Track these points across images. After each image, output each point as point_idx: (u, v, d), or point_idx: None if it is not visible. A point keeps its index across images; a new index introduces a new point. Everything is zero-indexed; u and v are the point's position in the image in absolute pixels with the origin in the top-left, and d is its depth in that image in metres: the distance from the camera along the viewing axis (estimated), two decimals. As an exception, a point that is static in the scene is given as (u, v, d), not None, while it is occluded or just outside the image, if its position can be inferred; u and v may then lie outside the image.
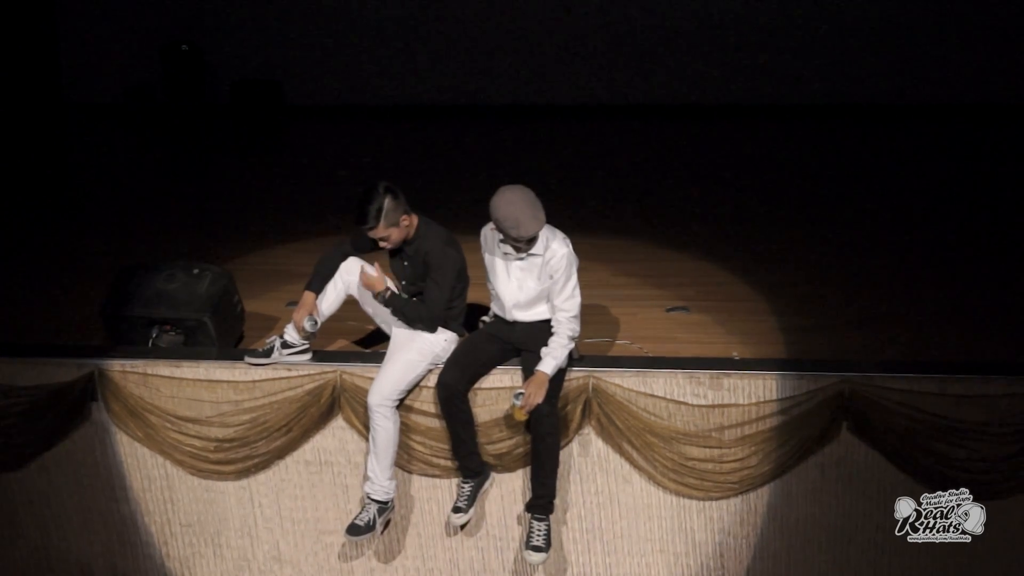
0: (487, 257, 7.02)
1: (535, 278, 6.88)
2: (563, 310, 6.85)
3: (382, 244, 6.99)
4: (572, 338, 6.89)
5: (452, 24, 14.02)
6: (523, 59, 14.00)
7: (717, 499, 7.20)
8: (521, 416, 6.79)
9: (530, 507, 7.06)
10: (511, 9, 13.91)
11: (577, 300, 6.87)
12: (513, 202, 6.67)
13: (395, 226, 6.89)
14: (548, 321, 6.95)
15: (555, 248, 6.80)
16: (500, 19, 13.98)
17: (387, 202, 6.84)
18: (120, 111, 14.06)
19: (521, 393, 6.73)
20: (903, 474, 7.00)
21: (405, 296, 7.07)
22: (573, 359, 7.10)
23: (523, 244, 6.74)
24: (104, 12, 14.29)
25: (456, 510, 7.12)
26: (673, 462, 7.10)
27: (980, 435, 6.94)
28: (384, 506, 7.09)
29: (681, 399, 7.07)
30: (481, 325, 7.24)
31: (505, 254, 6.90)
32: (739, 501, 7.20)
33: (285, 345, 7.24)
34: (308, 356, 7.32)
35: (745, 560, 7.33)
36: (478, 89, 14.08)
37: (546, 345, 6.85)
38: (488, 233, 6.99)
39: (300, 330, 7.13)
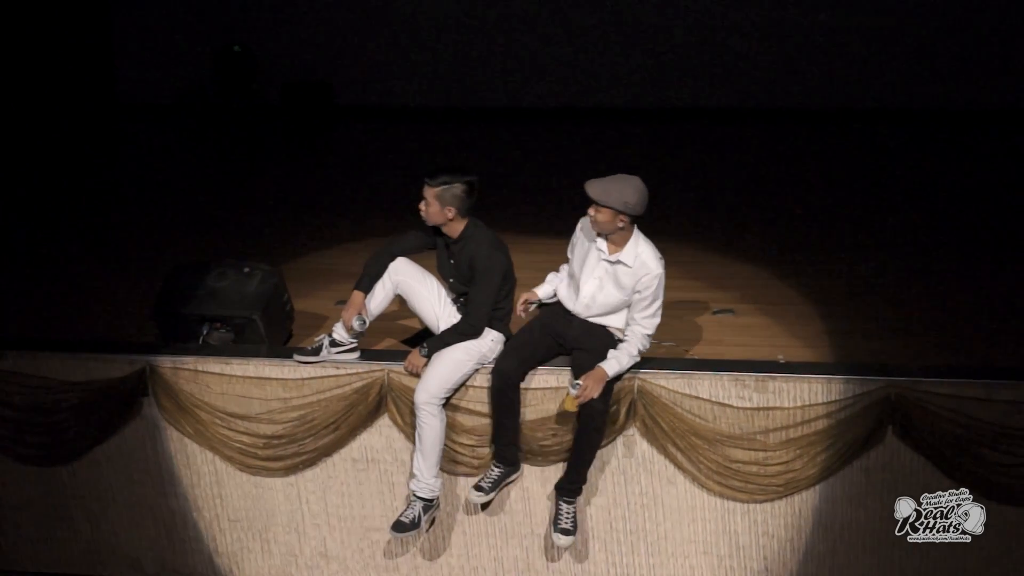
0: (579, 247, 7.06)
1: (616, 285, 6.91)
2: (641, 325, 6.90)
3: (421, 207, 7.02)
4: (641, 352, 6.95)
5: (504, 26, 14.07)
6: (572, 61, 14.03)
7: (761, 502, 7.19)
8: (572, 406, 6.81)
9: (560, 489, 7.12)
10: (561, 13, 13.95)
11: (657, 321, 6.94)
12: (625, 180, 6.81)
13: (440, 203, 6.95)
14: (605, 327, 7.01)
15: (650, 266, 6.84)
16: (548, 23, 14.01)
17: (459, 187, 6.94)
18: (172, 111, 14.20)
19: (578, 384, 6.77)
20: (949, 479, 6.96)
21: (437, 335, 7.14)
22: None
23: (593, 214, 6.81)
24: (158, 14, 14.44)
25: (478, 488, 7.15)
26: (717, 464, 7.10)
27: (1028, 441, 6.89)
28: (429, 504, 7.13)
29: (726, 401, 7.06)
30: (525, 310, 7.30)
31: (599, 250, 6.94)
32: (783, 504, 7.19)
33: (334, 344, 7.30)
34: (356, 355, 7.37)
35: (789, 563, 7.31)
36: (527, 91, 14.12)
37: (602, 346, 6.91)
38: (587, 223, 7.02)
39: (349, 329, 7.18)
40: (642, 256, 6.86)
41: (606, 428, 7.06)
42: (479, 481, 7.17)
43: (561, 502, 7.12)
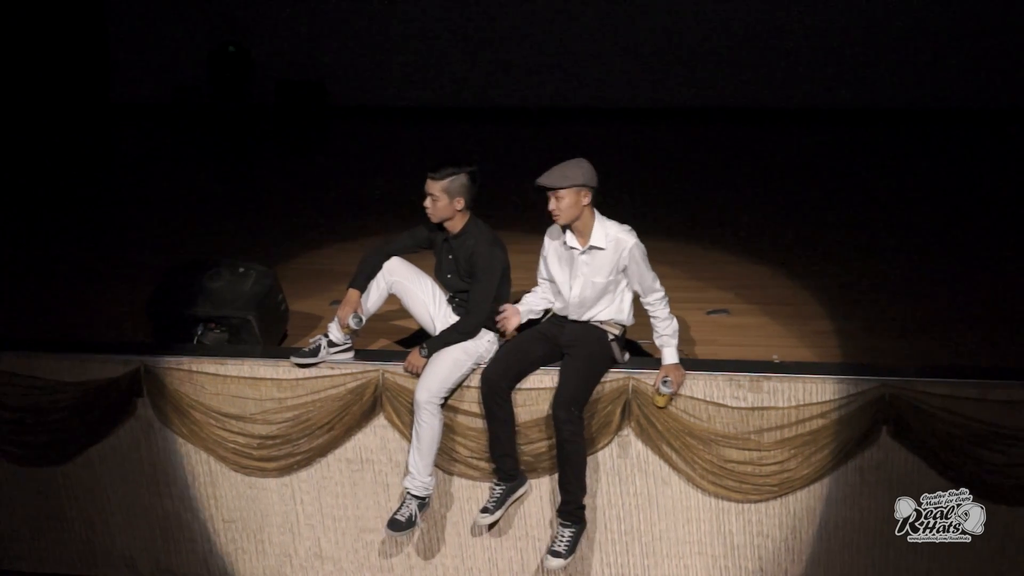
0: (551, 256, 7.06)
1: (602, 273, 6.91)
2: (654, 290, 6.92)
3: (426, 204, 6.97)
4: (670, 313, 6.99)
5: (495, 28, 14.08)
6: (566, 62, 14.04)
7: (756, 502, 7.19)
8: (663, 403, 7.00)
9: (558, 512, 7.10)
10: (552, 14, 13.96)
11: (658, 282, 6.96)
12: (574, 160, 6.84)
13: (449, 195, 6.93)
14: (599, 325, 7.01)
15: (623, 239, 6.84)
16: (542, 24, 14.02)
17: (463, 176, 6.93)
18: (167, 111, 14.20)
19: (668, 380, 6.90)
20: (943, 479, 6.97)
21: (437, 335, 7.12)
22: (619, 363, 7.14)
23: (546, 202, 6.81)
24: (152, 14, 14.47)
25: (484, 510, 7.14)
26: (712, 464, 7.10)
27: (1021, 441, 6.89)
28: (423, 502, 7.13)
29: (721, 401, 7.06)
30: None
31: (571, 248, 6.92)
32: (778, 504, 7.19)
33: (331, 344, 7.30)
34: (351, 355, 7.38)
35: (783, 563, 7.32)
36: (520, 92, 14.13)
37: (593, 346, 6.91)
38: (555, 230, 7.02)
39: (345, 327, 7.16)
40: (612, 233, 6.87)
41: (602, 431, 7.08)
42: (485, 503, 7.16)
43: (559, 525, 7.06)
